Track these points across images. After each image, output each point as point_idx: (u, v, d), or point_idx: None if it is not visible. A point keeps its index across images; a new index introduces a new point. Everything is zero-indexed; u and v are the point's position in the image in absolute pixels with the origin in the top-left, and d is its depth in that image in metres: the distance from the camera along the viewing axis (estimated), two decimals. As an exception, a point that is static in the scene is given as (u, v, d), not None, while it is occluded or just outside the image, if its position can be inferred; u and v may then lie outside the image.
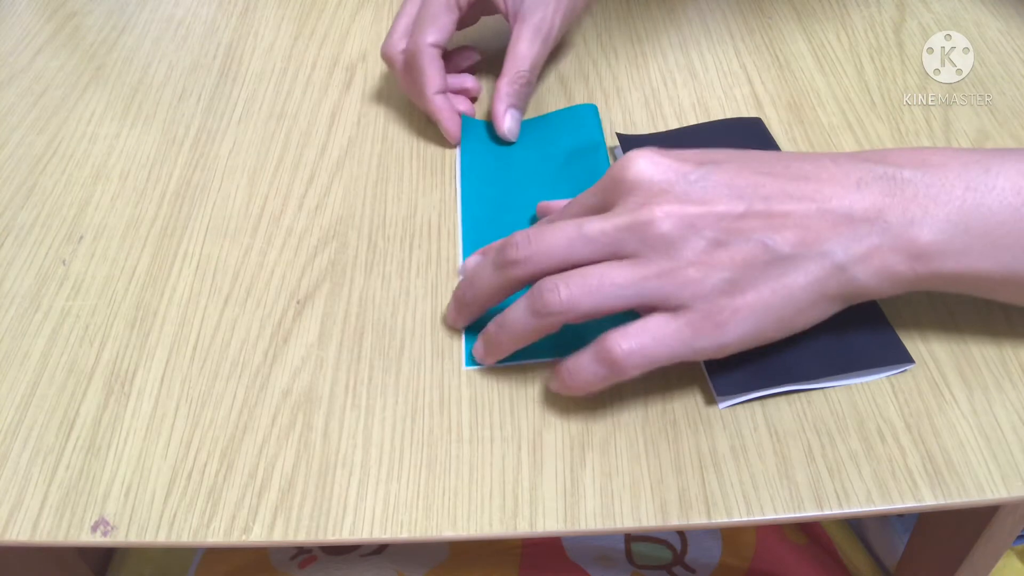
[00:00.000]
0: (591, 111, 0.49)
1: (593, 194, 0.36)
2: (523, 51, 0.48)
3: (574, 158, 0.47)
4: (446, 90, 0.49)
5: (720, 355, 0.34)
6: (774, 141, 0.46)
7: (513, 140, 0.49)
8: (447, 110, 0.48)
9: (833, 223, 0.33)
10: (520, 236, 0.35)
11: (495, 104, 0.48)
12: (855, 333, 0.37)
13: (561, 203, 0.41)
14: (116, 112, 0.53)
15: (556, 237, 0.35)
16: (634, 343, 0.33)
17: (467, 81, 0.51)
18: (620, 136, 0.47)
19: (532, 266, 0.35)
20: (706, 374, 0.37)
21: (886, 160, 0.34)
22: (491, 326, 0.37)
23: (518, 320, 0.35)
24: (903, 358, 0.37)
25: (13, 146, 0.51)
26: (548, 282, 0.34)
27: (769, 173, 0.34)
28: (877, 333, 0.38)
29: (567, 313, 0.34)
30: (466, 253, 0.43)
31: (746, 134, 0.47)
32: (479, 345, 0.38)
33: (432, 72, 0.48)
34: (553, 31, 0.48)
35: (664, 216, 0.33)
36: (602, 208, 0.35)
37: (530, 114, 0.51)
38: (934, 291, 0.35)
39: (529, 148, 0.48)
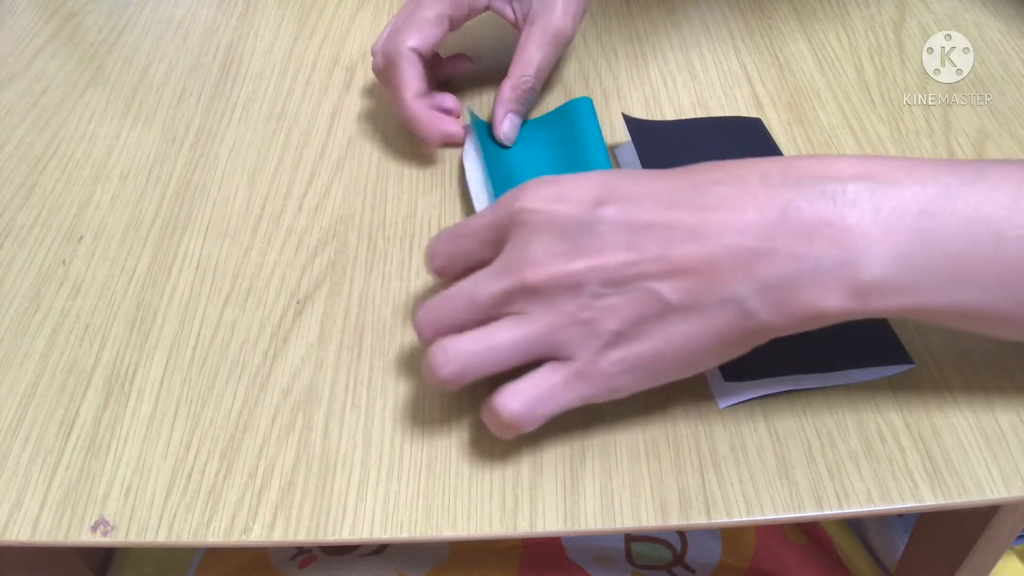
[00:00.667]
0: (586, 104, 0.49)
1: (489, 226, 0.34)
2: (529, 56, 0.47)
3: (574, 153, 0.47)
4: (425, 95, 0.48)
5: (613, 399, 0.34)
6: (773, 142, 0.46)
7: (509, 144, 0.49)
8: (425, 114, 0.47)
9: (742, 263, 0.29)
10: (425, 306, 0.35)
11: (496, 107, 0.48)
12: (855, 333, 0.37)
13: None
14: (116, 112, 0.53)
15: (449, 305, 0.34)
16: (521, 402, 0.32)
17: (447, 101, 0.50)
18: (627, 119, 0.47)
19: (432, 333, 0.34)
20: (706, 374, 0.37)
21: (829, 173, 0.29)
22: None
23: (429, 378, 0.34)
24: (902, 358, 0.37)
25: (13, 146, 0.51)
26: (437, 354, 0.33)
27: (674, 205, 0.31)
28: (877, 333, 0.38)
29: (459, 382, 0.33)
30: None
31: (746, 134, 0.47)
32: None
33: (410, 75, 0.47)
34: (563, 34, 0.48)
35: (548, 277, 0.31)
36: (496, 241, 0.34)
37: (532, 114, 0.51)
38: None
39: (531, 148, 0.48)
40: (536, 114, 0.51)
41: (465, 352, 0.33)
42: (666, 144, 0.46)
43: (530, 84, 0.48)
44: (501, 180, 0.47)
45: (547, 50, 0.48)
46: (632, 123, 0.47)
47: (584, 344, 0.32)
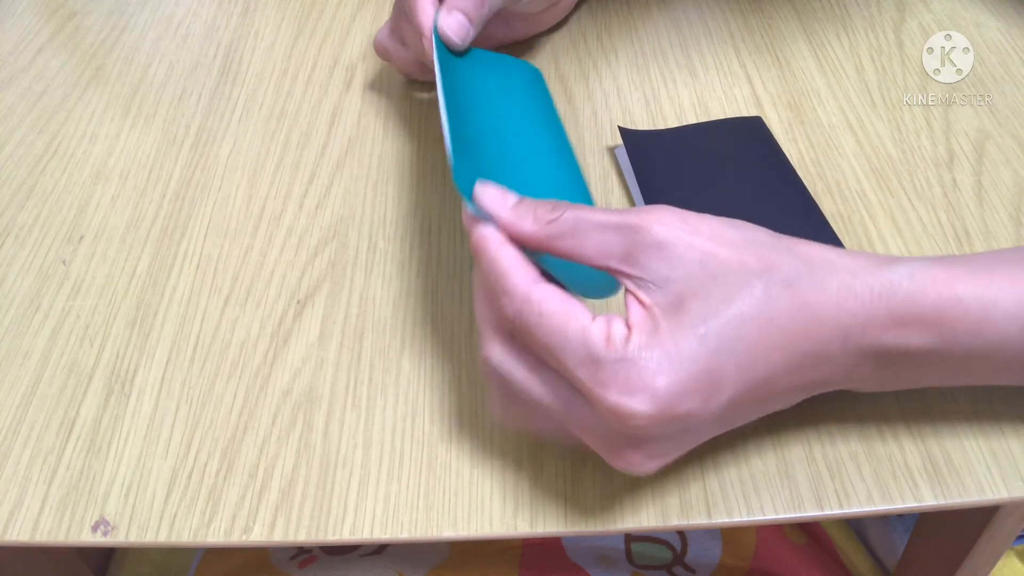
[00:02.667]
0: (534, 74, 0.47)
1: (579, 367, 0.31)
2: None
3: (528, 107, 0.45)
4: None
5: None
6: (774, 140, 0.46)
7: (457, 43, 0.44)
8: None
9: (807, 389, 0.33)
10: (495, 362, 0.33)
11: (441, 7, 0.44)
12: None
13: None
14: (116, 112, 0.53)
15: (527, 397, 0.32)
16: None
17: None
18: (623, 131, 0.47)
19: (498, 390, 0.34)
20: None
21: (898, 330, 0.31)
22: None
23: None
24: None
25: (13, 146, 0.51)
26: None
27: (769, 382, 0.31)
28: None
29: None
30: (455, 151, 0.37)
31: (747, 133, 0.47)
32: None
33: (425, 4, 0.44)
34: None
35: (640, 468, 0.31)
36: (584, 380, 0.31)
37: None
38: None
39: (491, 78, 0.45)
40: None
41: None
42: (661, 155, 0.46)
43: None
44: (455, 94, 0.42)
45: None
46: (627, 135, 0.47)
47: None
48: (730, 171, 0.45)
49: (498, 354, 0.32)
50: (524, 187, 0.36)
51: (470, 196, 0.33)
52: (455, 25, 0.44)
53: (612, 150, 0.48)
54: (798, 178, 0.44)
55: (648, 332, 0.30)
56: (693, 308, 0.30)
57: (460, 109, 0.41)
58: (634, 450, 0.31)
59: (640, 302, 0.31)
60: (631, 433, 0.30)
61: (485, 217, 0.33)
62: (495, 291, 0.32)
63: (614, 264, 0.31)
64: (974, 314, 0.31)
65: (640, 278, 0.31)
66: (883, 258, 0.32)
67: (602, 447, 0.31)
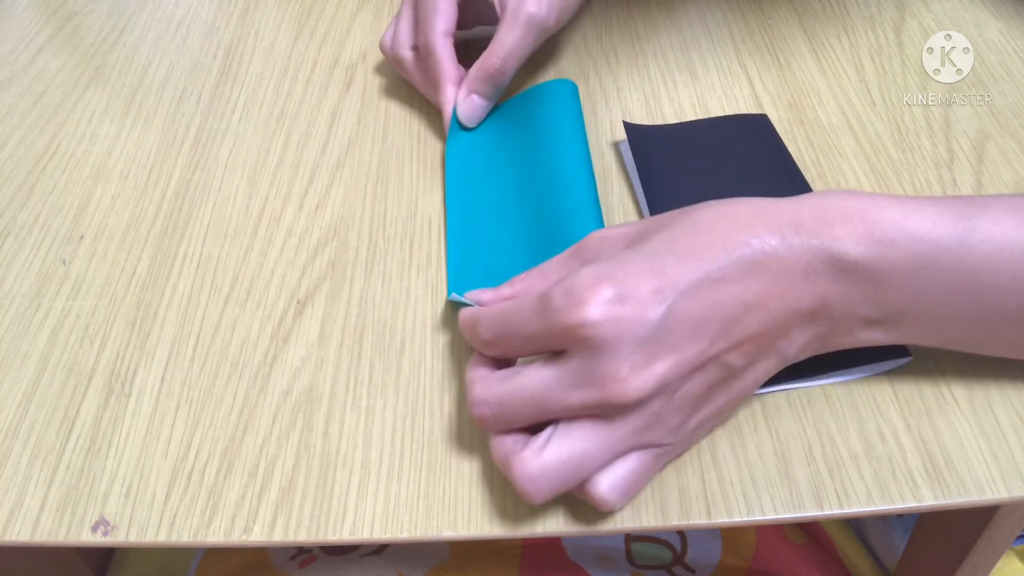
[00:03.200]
0: (570, 88, 0.49)
1: (544, 334, 0.32)
2: (500, 38, 0.47)
3: (552, 141, 0.46)
4: (459, 83, 0.48)
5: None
6: (779, 138, 0.46)
7: (470, 126, 0.48)
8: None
9: (784, 325, 0.33)
10: (483, 402, 0.33)
11: (461, 87, 0.48)
12: None
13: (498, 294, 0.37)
14: (116, 112, 0.53)
15: (517, 410, 0.33)
16: (621, 494, 0.33)
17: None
18: (627, 125, 0.47)
19: (497, 427, 0.34)
20: None
21: (833, 234, 0.32)
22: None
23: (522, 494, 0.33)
24: (900, 352, 0.37)
25: (13, 146, 0.51)
26: (526, 480, 0.32)
27: (721, 280, 0.32)
28: None
29: (549, 497, 0.33)
30: (451, 240, 0.43)
31: (752, 130, 0.47)
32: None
33: (448, 64, 0.48)
34: (535, 20, 0.47)
35: (633, 391, 0.31)
36: (552, 346, 0.33)
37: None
38: None
39: (509, 129, 0.48)
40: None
41: (555, 465, 0.32)
42: (664, 150, 0.46)
43: (496, 66, 0.47)
44: (482, 161, 0.46)
45: (518, 34, 0.47)
46: (631, 129, 0.47)
47: (671, 430, 0.33)
48: (733, 167, 0.45)
49: (480, 385, 0.34)
50: (529, 254, 0.41)
51: (461, 299, 0.38)
52: (472, 110, 0.48)
53: (616, 145, 0.48)
54: (802, 177, 0.44)
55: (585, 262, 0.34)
56: (628, 241, 0.35)
57: (466, 199, 0.45)
58: (612, 361, 0.31)
59: None
60: (598, 340, 0.31)
61: (472, 305, 0.37)
62: (472, 332, 0.35)
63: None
64: (898, 217, 0.32)
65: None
66: None
67: (593, 392, 0.31)
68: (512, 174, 0.46)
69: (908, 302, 0.32)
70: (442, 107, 0.48)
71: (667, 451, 0.34)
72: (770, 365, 0.34)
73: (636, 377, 0.31)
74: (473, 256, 0.43)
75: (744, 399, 0.35)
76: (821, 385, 0.37)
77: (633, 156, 0.45)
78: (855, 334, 0.34)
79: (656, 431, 0.32)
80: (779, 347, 0.33)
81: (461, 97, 0.48)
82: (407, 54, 0.50)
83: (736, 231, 0.32)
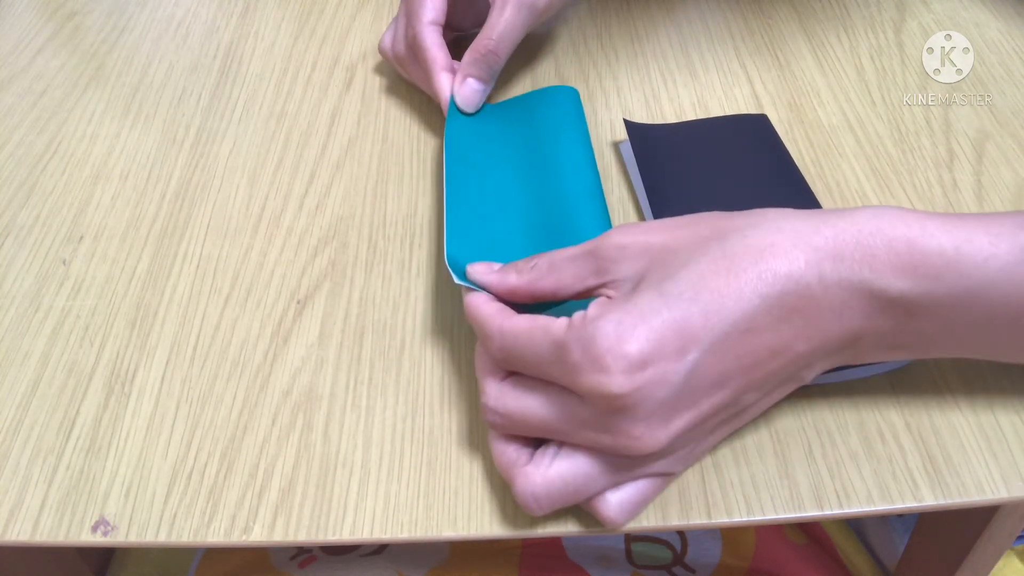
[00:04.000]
0: (572, 95, 0.49)
1: (564, 398, 0.32)
2: (491, 20, 0.47)
3: (555, 140, 0.46)
4: (453, 69, 0.48)
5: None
6: (779, 139, 0.46)
7: (469, 110, 0.48)
8: (450, 88, 0.48)
9: (809, 360, 0.31)
10: (491, 405, 0.33)
11: (457, 72, 0.48)
12: None
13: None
14: (116, 112, 0.53)
15: (527, 428, 0.33)
16: (627, 514, 0.33)
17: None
18: (628, 124, 0.47)
19: (504, 432, 0.34)
20: None
21: (874, 266, 0.30)
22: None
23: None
24: None
25: (13, 146, 0.51)
26: (526, 493, 0.32)
27: (749, 330, 0.30)
28: None
29: (551, 509, 0.33)
30: (450, 238, 0.41)
31: (752, 131, 0.47)
32: None
33: (436, 51, 0.48)
34: (529, 2, 0.47)
35: (647, 446, 0.30)
36: (560, 381, 0.32)
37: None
38: None
39: (509, 130, 0.48)
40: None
41: (558, 488, 0.32)
42: (665, 148, 0.46)
43: (489, 47, 0.47)
44: (482, 159, 0.46)
45: (509, 14, 0.46)
46: (632, 128, 0.47)
47: (680, 460, 0.33)
48: (733, 167, 0.45)
49: (494, 392, 0.33)
50: (529, 237, 0.41)
51: (461, 276, 0.36)
52: (469, 94, 0.48)
53: (616, 145, 0.48)
54: (801, 177, 0.44)
55: (604, 306, 0.31)
56: (652, 277, 0.31)
57: (466, 176, 0.44)
58: (630, 422, 0.30)
59: (606, 296, 0.32)
60: (617, 404, 0.29)
61: (476, 288, 0.36)
62: (483, 342, 0.34)
63: (591, 282, 0.33)
64: (948, 249, 0.30)
65: (609, 282, 0.32)
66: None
67: (606, 439, 0.31)
68: (513, 160, 0.46)
69: (940, 331, 0.31)
70: (436, 94, 0.48)
71: (677, 475, 0.34)
72: (786, 390, 0.33)
73: (651, 436, 0.30)
74: (472, 226, 0.42)
75: (756, 416, 0.35)
76: (820, 385, 0.37)
77: (634, 155, 0.45)
78: (875, 356, 0.33)
79: (666, 463, 0.32)
80: (799, 376, 0.32)
81: (458, 83, 0.47)
82: (403, 51, 0.50)
83: (772, 267, 0.30)
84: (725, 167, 0.45)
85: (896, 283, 0.30)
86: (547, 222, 0.42)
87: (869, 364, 0.37)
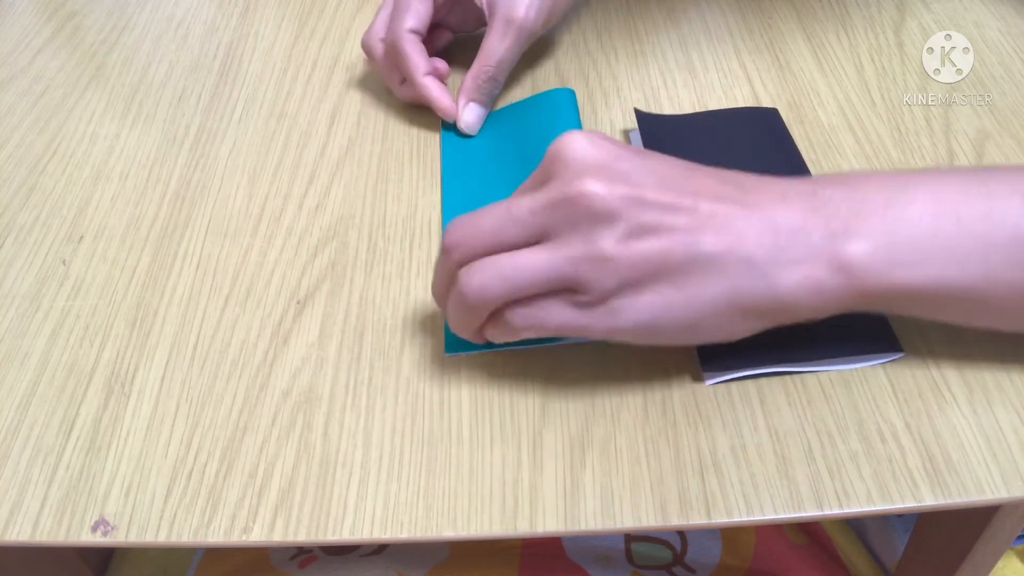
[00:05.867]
0: (568, 95, 0.49)
1: (533, 176, 0.35)
2: (491, 47, 0.48)
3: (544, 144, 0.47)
4: (432, 72, 0.49)
5: (609, 338, 0.34)
6: (788, 133, 0.46)
7: (471, 134, 0.49)
8: (437, 89, 0.49)
9: (758, 230, 0.32)
10: (455, 222, 0.35)
11: (458, 97, 0.49)
12: (847, 319, 0.37)
13: None
14: (116, 112, 0.53)
15: (485, 220, 0.34)
16: (525, 314, 0.34)
17: (437, 63, 0.50)
18: (638, 113, 0.47)
19: (464, 251, 0.34)
20: (695, 351, 0.37)
21: (808, 181, 0.34)
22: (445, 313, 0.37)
23: (453, 311, 0.35)
24: (893, 347, 0.37)
25: (13, 146, 0.51)
26: (464, 272, 0.34)
27: (700, 172, 0.34)
28: (869, 320, 0.38)
29: (482, 300, 0.33)
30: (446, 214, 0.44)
31: (762, 124, 0.47)
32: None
33: (416, 56, 0.49)
34: (525, 26, 0.48)
35: (591, 194, 0.32)
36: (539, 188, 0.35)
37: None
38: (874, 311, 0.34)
39: (507, 135, 0.49)
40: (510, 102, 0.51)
41: (491, 270, 0.33)
42: (674, 139, 0.46)
43: (490, 74, 0.48)
44: (479, 168, 0.47)
45: (508, 41, 0.48)
46: (642, 117, 0.47)
47: (603, 280, 0.32)
48: (741, 160, 0.45)
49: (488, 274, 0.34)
50: None
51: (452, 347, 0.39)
52: (472, 119, 0.49)
53: (626, 133, 0.48)
54: (809, 173, 0.44)
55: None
56: None
57: (462, 194, 0.46)
58: (591, 179, 0.32)
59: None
60: (576, 167, 0.32)
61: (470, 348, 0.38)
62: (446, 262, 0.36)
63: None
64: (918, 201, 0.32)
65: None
66: None
67: (557, 190, 0.33)
68: (509, 175, 0.46)
69: (887, 233, 0.32)
70: (426, 97, 0.49)
71: (585, 304, 0.33)
72: (736, 275, 0.32)
73: (592, 189, 0.32)
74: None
75: (692, 325, 0.33)
76: (813, 371, 0.37)
77: (643, 143, 0.45)
78: (824, 281, 0.32)
79: (593, 275, 0.32)
80: (749, 253, 0.32)
81: (460, 106, 0.49)
82: (377, 45, 0.50)
83: (726, 171, 0.34)
84: (734, 159, 0.45)
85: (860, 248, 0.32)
86: None
87: (860, 355, 0.37)
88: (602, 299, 0.33)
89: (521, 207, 0.33)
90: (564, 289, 0.33)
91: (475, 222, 0.34)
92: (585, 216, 0.32)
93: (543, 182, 0.34)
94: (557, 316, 0.33)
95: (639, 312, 0.32)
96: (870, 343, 0.37)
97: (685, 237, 0.32)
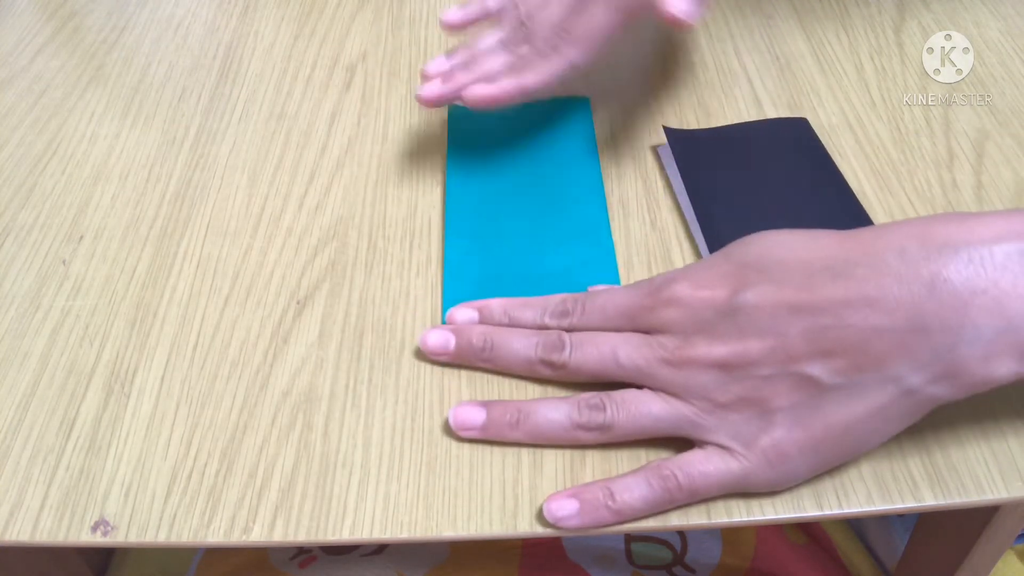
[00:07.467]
0: (582, 105, 0.49)
1: (630, 299, 0.35)
2: (542, 70, 0.43)
3: (563, 151, 0.47)
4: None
5: (781, 488, 0.33)
6: (820, 142, 0.46)
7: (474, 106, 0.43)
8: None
9: (896, 343, 0.28)
10: (564, 339, 0.36)
11: (495, 80, 0.43)
12: None
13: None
14: (116, 112, 0.53)
15: (593, 357, 0.35)
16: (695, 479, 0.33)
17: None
18: (667, 130, 0.47)
19: (567, 376, 0.36)
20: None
21: (971, 238, 0.28)
22: (517, 415, 0.36)
23: (555, 423, 0.35)
24: None
25: (13, 146, 0.51)
26: (595, 399, 0.35)
27: (814, 288, 0.29)
28: None
29: (607, 432, 0.34)
30: (449, 243, 0.43)
31: (793, 136, 0.47)
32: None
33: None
34: (579, 66, 0.43)
35: (698, 363, 0.32)
36: (633, 319, 0.35)
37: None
38: None
39: (517, 136, 0.48)
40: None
41: (624, 410, 0.34)
42: (706, 154, 0.46)
43: (530, 89, 0.43)
44: (487, 166, 0.47)
45: (558, 74, 0.43)
46: (671, 134, 0.47)
47: (737, 433, 0.32)
48: (776, 172, 0.45)
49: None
50: (526, 274, 0.42)
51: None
52: (485, 94, 0.42)
53: (656, 149, 0.48)
54: (844, 181, 0.44)
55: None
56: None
57: (467, 204, 0.45)
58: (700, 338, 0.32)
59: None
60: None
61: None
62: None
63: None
64: None
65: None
66: None
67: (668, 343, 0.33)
68: (517, 182, 0.46)
69: None
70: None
71: (737, 457, 0.32)
72: (881, 399, 0.29)
73: (698, 357, 0.32)
74: (471, 259, 0.43)
75: (854, 445, 0.32)
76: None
77: (676, 161, 0.45)
78: (988, 365, 0.29)
79: (720, 425, 0.32)
80: (892, 372, 0.29)
81: (483, 85, 0.42)
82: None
83: (834, 248, 0.31)
84: (767, 172, 0.45)
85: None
86: (548, 244, 0.43)
87: None
88: (746, 445, 0.33)
89: (630, 359, 0.34)
90: None
91: (584, 353, 0.36)
92: (696, 384, 0.33)
93: (639, 317, 0.35)
94: (717, 475, 0.33)
95: (790, 454, 0.32)
96: None
97: (803, 373, 0.30)
